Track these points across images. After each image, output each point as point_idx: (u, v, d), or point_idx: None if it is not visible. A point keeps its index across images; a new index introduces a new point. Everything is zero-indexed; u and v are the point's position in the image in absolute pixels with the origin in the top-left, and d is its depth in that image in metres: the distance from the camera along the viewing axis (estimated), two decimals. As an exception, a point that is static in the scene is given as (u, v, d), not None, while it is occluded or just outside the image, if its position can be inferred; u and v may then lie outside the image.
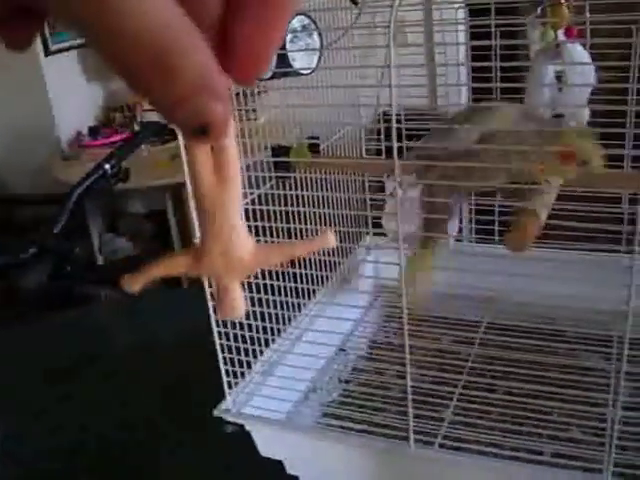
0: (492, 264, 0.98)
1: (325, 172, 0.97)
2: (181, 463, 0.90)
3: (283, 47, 0.77)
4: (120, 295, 2.11)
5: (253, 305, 0.81)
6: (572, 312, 0.99)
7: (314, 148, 0.86)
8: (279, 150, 0.81)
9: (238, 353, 0.81)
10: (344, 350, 1.00)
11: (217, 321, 0.80)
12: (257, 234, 0.83)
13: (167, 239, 2.72)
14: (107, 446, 0.95)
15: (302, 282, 0.93)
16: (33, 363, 1.17)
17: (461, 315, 1.03)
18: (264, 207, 0.84)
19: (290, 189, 0.88)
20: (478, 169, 0.67)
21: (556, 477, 0.70)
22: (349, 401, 0.89)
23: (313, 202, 0.93)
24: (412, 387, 0.87)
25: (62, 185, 2.16)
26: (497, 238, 1.05)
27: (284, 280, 0.88)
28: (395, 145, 0.59)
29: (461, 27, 1.13)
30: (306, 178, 0.91)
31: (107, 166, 1.55)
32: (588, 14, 0.75)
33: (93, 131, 2.86)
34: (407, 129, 0.94)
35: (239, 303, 0.28)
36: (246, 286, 0.77)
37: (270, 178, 0.84)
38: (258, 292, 0.82)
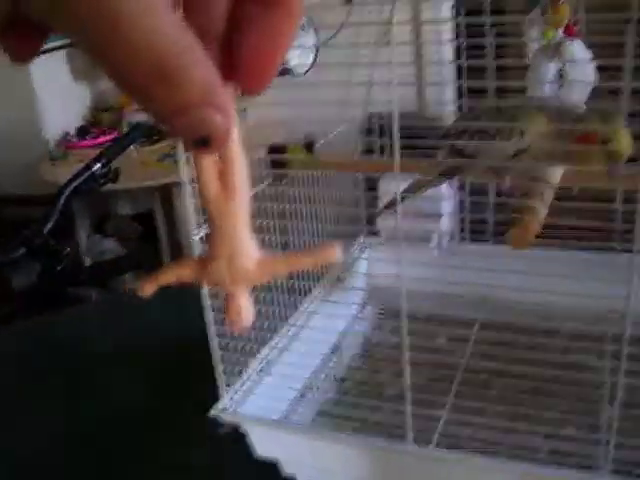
0: (486, 263, 0.98)
1: (319, 173, 0.97)
2: (176, 463, 0.90)
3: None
4: (109, 295, 2.10)
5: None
6: (566, 310, 0.99)
7: (310, 147, 0.86)
8: (276, 149, 0.81)
9: (235, 351, 0.81)
10: (339, 348, 1.00)
11: (214, 319, 0.80)
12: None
13: (155, 241, 2.71)
14: (97, 446, 0.94)
15: (297, 279, 0.93)
16: (19, 363, 1.16)
17: (455, 313, 1.03)
18: (261, 204, 0.83)
19: (286, 185, 0.88)
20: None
21: (552, 474, 0.70)
22: (345, 400, 0.89)
23: (308, 199, 0.93)
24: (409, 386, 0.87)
25: (50, 186, 2.15)
26: (491, 237, 1.05)
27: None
28: (397, 144, 0.59)
29: (449, 25, 1.13)
30: (301, 177, 0.90)
31: (96, 166, 1.54)
32: (583, 13, 0.75)
33: (81, 132, 2.85)
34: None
35: (246, 311, 0.28)
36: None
37: (267, 176, 0.83)
38: (253, 290, 0.82)
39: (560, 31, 0.73)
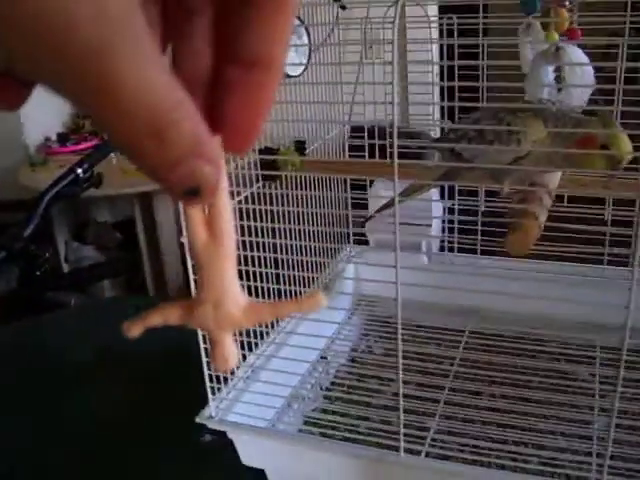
0: (475, 274, 0.98)
1: (309, 177, 0.97)
2: (161, 472, 0.88)
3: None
4: (88, 301, 2.07)
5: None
6: (555, 321, 0.98)
7: (301, 150, 0.85)
8: (268, 152, 0.80)
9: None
10: (325, 357, 0.99)
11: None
12: (243, 234, 0.81)
13: (135, 249, 2.68)
14: (80, 455, 0.92)
15: (285, 284, 0.91)
16: None
17: (444, 324, 1.02)
18: (250, 206, 0.82)
19: (276, 189, 0.87)
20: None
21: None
22: (331, 409, 0.87)
23: (298, 202, 0.92)
24: (394, 400, 0.86)
25: (29, 191, 2.12)
26: (479, 248, 1.05)
27: (267, 282, 0.87)
28: (396, 148, 0.58)
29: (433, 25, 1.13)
30: (291, 181, 0.90)
31: (79, 170, 1.52)
32: (576, 16, 0.76)
33: (62, 138, 2.81)
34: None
35: (230, 356, 0.29)
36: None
37: (257, 179, 0.82)
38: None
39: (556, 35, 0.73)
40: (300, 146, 0.87)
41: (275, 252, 0.86)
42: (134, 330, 0.29)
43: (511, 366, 0.87)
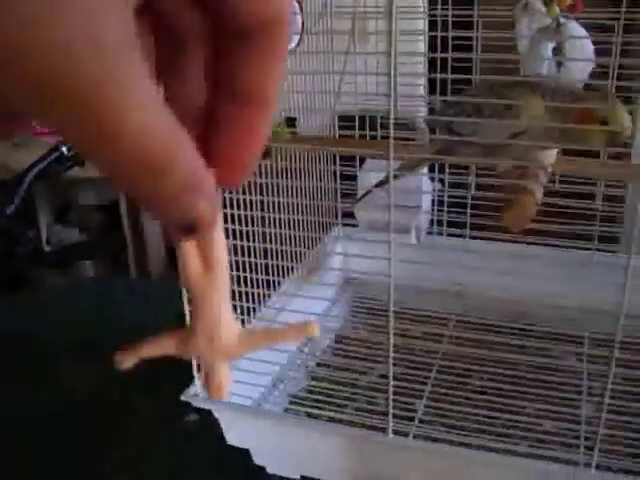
0: (462, 258, 0.97)
1: (298, 161, 0.95)
2: (145, 452, 0.87)
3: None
4: (68, 280, 2.05)
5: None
6: (542, 308, 0.98)
7: (291, 124, 0.84)
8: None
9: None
10: (311, 340, 0.98)
11: (190, 313, 0.77)
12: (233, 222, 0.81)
13: (118, 232, 2.66)
14: (59, 435, 0.90)
15: (271, 274, 0.90)
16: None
17: (430, 309, 1.01)
18: (240, 196, 0.81)
19: (266, 177, 0.86)
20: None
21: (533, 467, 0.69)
22: (318, 389, 0.86)
23: (285, 191, 0.91)
24: (380, 382, 0.85)
25: (11, 172, 2.09)
26: (468, 232, 1.04)
27: (255, 272, 0.86)
28: (392, 132, 0.57)
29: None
30: (278, 167, 0.88)
31: (64, 148, 1.50)
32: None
33: (45, 119, 2.79)
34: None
35: (225, 385, 0.29)
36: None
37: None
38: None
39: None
40: (291, 123, 0.85)
41: (265, 242, 0.85)
42: (127, 362, 0.29)
43: (501, 344, 0.86)
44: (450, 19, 0.91)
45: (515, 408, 0.79)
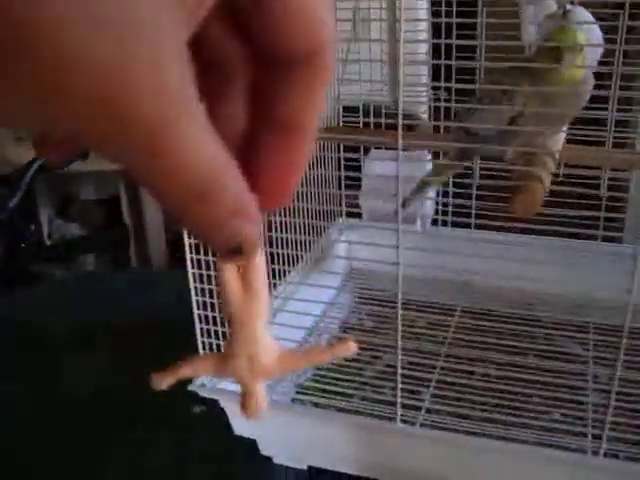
0: (468, 248, 0.97)
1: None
2: (150, 443, 0.87)
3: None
4: (73, 274, 2.04)
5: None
6: (548, 298, 0.98)
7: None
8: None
9: (217, 337, 0.78)
10: (316, 331, 0.98)
11: (197, 303, 0.77)
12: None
13: (120, 227, 2.66)
14: (65, 427, 0.90)
15: (277, 263, 0.90)
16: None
17: (436, 299, 1.01)
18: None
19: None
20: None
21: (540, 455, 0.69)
22: (324, 380, 0.86)
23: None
24: (387, 372, 0.85)
25: (14, 166, 2.09)
26: (474, 222, 1.04)
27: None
28: (400, 120, 0.57)
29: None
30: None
31: (66, 142, 1.49)
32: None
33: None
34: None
35: (262, 405, 0.30)
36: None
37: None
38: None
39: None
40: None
41: (269, 231, 0.85)
42: (164, 383, 0.29)
43: (507, 333, 0.86)
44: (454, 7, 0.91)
45: (522, 397, 0.79)
